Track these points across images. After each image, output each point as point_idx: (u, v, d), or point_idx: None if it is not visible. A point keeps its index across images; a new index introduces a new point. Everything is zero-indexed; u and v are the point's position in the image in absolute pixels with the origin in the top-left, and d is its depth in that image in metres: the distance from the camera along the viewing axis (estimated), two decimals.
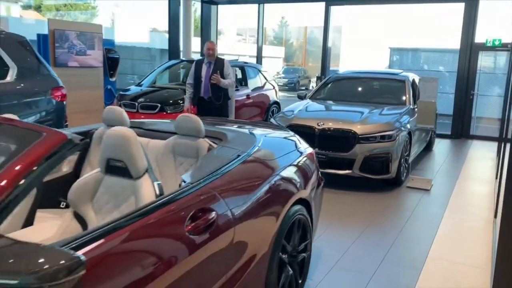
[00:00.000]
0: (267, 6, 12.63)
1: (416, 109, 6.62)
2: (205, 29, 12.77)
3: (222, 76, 6.11)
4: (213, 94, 6.10)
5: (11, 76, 4.42)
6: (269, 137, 3.13)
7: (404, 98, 6.83)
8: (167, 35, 12.25)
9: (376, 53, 17.01)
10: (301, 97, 7.59)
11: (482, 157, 8.18)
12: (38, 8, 30.63)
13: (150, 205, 1.81)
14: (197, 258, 1.87)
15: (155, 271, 1.66)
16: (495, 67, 11.96)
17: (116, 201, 2.17)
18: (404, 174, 6.07)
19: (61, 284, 1.17)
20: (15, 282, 1.12)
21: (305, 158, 3.09)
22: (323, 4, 11.30)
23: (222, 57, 6.43)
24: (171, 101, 7.30)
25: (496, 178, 6.19)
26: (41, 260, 1.18)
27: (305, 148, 3.25)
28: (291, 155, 2.99)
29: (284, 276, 2.68)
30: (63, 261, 1.19)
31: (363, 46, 16.12)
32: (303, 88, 26.46)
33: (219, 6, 12.95)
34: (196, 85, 6.22)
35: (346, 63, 13.87)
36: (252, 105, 8.68)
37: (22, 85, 4.49)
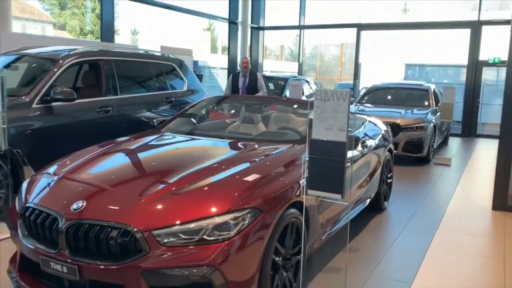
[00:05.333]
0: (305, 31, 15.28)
1: (437, 110, 9.14)
2: (254, 50, 15.41)
3: (256, 87, 7.96)
4: None
5: (185, 87, 6.94)
6: (369, 118, 5.64)
7: (428, 102, 9.35)
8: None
9: (393, 68, 19.61)
10: None
11: (487, 148, 10.63)
12: (62, 27, 33.27)
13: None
14: (363, 159, 4.34)
15: (356, 159, 4.15)
16: (496, 81, 14.44)
17: None
18: (431, 155, 8.55)
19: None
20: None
21: (387, 129, 5.59)
22: (354, 29, 13.91)
23: (267, 73, 8.66)
24: None
25: None
26: None
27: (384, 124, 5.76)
28: (382, 126, 5.49)
29: (384, 186, 5.15)
30: None
31: (381, 62, 18.68)
32: None
33: (265, 31, 15.60)
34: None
35: (366, 77, 16.23)
36: None
37: (190, 93, 7.00)
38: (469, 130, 12.83)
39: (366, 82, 15.33)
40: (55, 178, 2.94)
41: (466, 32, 12.74)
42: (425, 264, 3.72)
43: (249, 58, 8.46)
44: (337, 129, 2.69)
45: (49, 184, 2.88)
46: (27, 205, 2.72)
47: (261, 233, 2.51)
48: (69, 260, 2.39)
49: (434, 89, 9.96)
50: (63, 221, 2.45)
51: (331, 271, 3.52)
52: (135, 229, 2.32)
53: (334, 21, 15.53)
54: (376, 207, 5.11)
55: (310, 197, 2.84)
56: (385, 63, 20.32)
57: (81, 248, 2.41)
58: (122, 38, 21.32)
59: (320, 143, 2.72)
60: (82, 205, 2.49)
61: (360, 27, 13.88)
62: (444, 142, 10.82)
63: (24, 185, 3.02)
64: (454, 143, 11.37)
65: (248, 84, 8.05)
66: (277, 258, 2.68)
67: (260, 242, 2.51)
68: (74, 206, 2.50)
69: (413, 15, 16.43)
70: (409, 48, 18.44)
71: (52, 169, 3.14)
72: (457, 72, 17.05)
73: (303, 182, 2.87)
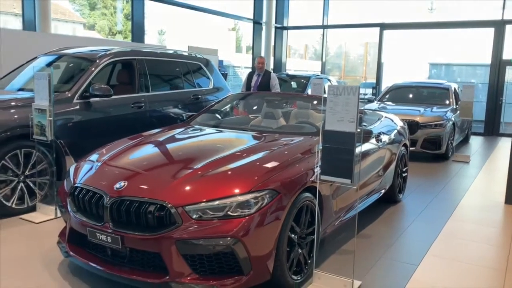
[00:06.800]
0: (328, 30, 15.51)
1: (457, 108, 9.29)
2: (278, 49, 15.73)
3: (268, 85, 8.21)
4: None
5: (211, 85, 7.33)
6: (386, 114, 5.89)
7: (449, 100, 9.50)
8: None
9: (417, 67, 19.62)
10: (370, 101, 10.35)
11: (509, 147, 10.66)
12: (91, 27, 34.21)
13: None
14: (377, 152, 4.63)
15: (369, 152, 4.44)
16: None
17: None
18: (450, 152, 8.71)
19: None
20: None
21: (403, 125, 5.85)
22: (377, 28, 14.08)
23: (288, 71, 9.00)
24: None
25: None
26: None
27: (401, 120, 6.01)
28: (399, 122, 5.75)
29: (399, 179, 5.42)
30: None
31: (406, 62, 18.70)
32: None
33: (289, 30, 15.90)
34: None
35: (390, 76, 16.22)
36: None
37: (216, 90, 7.39)
38: (492, 129, 12.85)
39: (390, 81, 15.45)
40: (98, 163, 3.35)
41: (490, 31, 12.76)
42: (433, 249, 3.99)
43: (264, 58, 8.66)
44: (347, 121, 3.01)
45: (93, 168, 3.29)
46: (76, 185, 3.13)
47: (278, 212, 2.85)
48: (110, 231, 2.79)
49: (455, 88, 10.09)
50: (108, 198, 2.85)
51: (344, 253, 3.83)
52: (169, 205, 2.70)
53: (357, 20, 15.71)
54: (391, 199, 5.38)
55: (324, 183, 3.16)
56: (409, 62, 20.36)
57: (123, 221, 2.80)
58: (149, 38, 21.96)
59: (333, 134, 3.04)
60: (124, 185, 2.89)
61: (383, 26, 14.04)
62: (465, 140, 10.92)
63: (71, 169, 3.44)
64: (476, 141, 11.45)
65: (260, 83, 8.34)
66: (292, 236, 3.01)
67: (277, 220, 2.84)
68: (117, 185, 2.90)
69: (439, 14, 16.47)
70: (434, 47, 18.45)
71: (93, 156, 3.56)
72: (482, 71, 16.97)
73: (317, 169, 3.19)
